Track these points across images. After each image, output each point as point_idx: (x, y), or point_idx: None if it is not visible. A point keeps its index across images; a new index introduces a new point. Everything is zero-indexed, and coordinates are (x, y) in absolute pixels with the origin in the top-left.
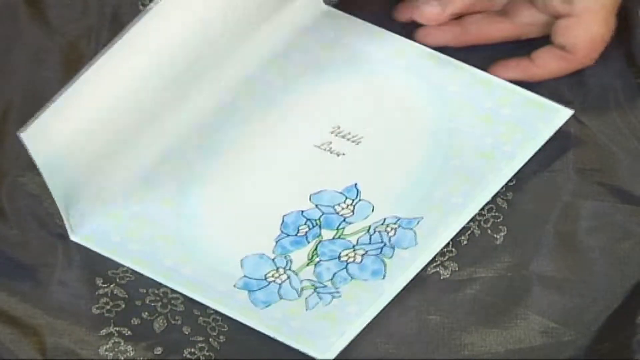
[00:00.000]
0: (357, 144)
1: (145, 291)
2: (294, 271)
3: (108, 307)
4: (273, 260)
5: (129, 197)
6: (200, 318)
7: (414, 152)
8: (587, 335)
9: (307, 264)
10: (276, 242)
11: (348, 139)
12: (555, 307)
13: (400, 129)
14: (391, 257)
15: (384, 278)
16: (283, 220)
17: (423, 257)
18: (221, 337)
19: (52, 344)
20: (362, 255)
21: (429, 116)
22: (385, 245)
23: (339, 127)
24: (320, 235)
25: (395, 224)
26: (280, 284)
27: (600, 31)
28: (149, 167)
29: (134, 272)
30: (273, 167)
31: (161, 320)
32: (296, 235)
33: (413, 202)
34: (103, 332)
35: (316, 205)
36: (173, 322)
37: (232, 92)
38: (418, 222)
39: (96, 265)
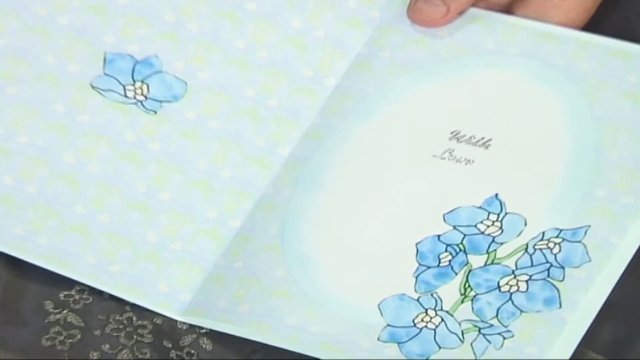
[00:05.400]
0: (486, 147)
1: (105, 318)
2: (447, 311)
3: (60, 337)
4: (418, 300)
5: (228, 254)
6: (173, 351)
7: (557, 149)
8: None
9: (462, 301)
10: (416, 278)
11: (474, 144)
12: None
13: (533, 124)
14: (562, 279)
15: (560, 307)
16: (417, 250)
17: (604, 275)
18: None
19: None
20: (527, 281)
21: (564, 105)
22: (551, 265)
23: (459, 131)
24: (467, 262)
25: (557, 237)
26: (434, 330)
27: (579, 18)
28: (244, 214)
29: (91, 292)
30: (389, 190)
31: (125, 355)
32: (438, 266)
33: (573, 208)
34: None
35: (454, 227)
36: (140, 356)
37: (318, 109)
38: (585, 233)
39: (46, 286)
